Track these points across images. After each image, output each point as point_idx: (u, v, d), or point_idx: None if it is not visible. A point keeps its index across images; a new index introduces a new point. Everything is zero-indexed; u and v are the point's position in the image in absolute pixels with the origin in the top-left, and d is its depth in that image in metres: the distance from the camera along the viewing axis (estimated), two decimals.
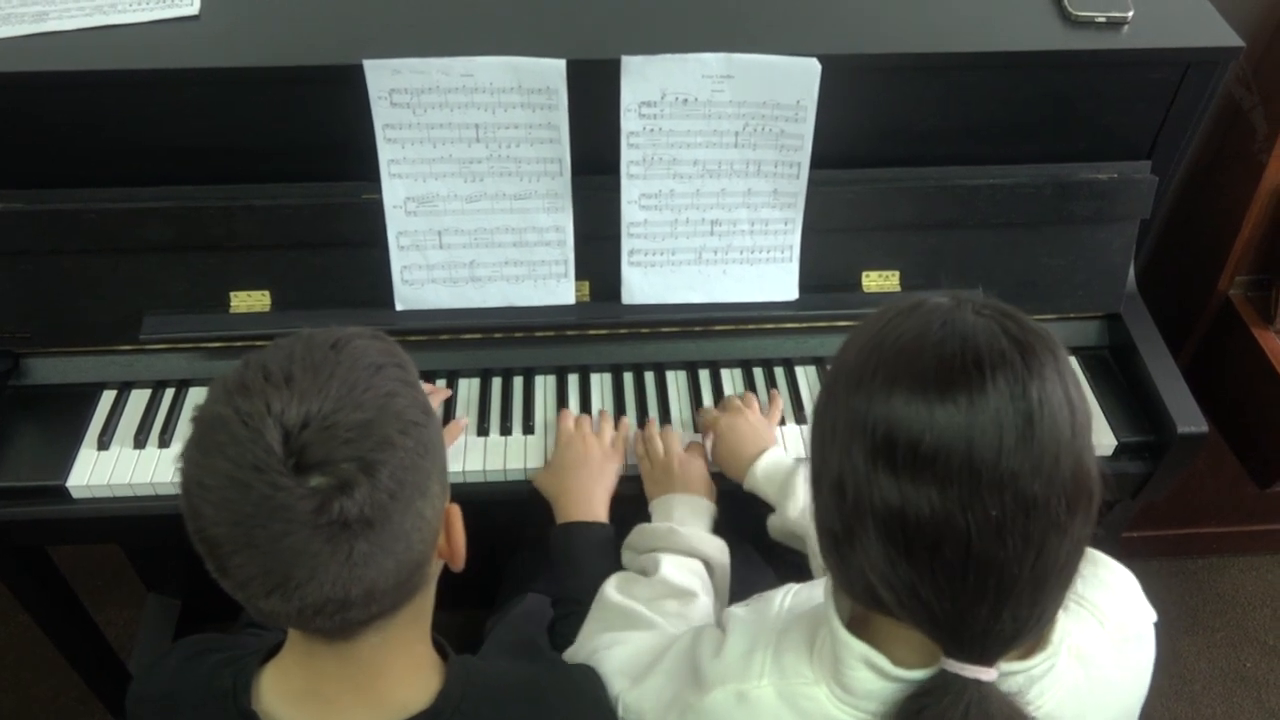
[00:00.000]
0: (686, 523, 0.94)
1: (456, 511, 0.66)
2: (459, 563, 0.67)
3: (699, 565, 0.91)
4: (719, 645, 0.70)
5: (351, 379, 0.57)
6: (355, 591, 0.57)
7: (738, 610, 0.74)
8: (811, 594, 0.73)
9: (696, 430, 1.08)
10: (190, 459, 0.57)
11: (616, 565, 0.94)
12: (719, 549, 0.93)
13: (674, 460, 1.01)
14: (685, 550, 0.91)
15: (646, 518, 0.99)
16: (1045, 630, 0.60)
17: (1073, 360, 1.15)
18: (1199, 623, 1.77)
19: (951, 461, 0.53)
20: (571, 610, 0.91)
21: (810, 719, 0.64)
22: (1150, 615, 0.71)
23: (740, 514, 1.01)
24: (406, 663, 0.66)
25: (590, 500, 0.98)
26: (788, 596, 0.73)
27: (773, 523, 0.98)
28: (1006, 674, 0.59)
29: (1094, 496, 0.57)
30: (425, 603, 0.67)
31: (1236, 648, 1.74)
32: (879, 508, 0.56)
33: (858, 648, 0.61)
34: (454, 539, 0.65)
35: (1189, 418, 1.06)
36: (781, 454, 1.00)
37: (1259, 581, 1.83)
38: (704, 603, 0.87)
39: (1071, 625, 0.63)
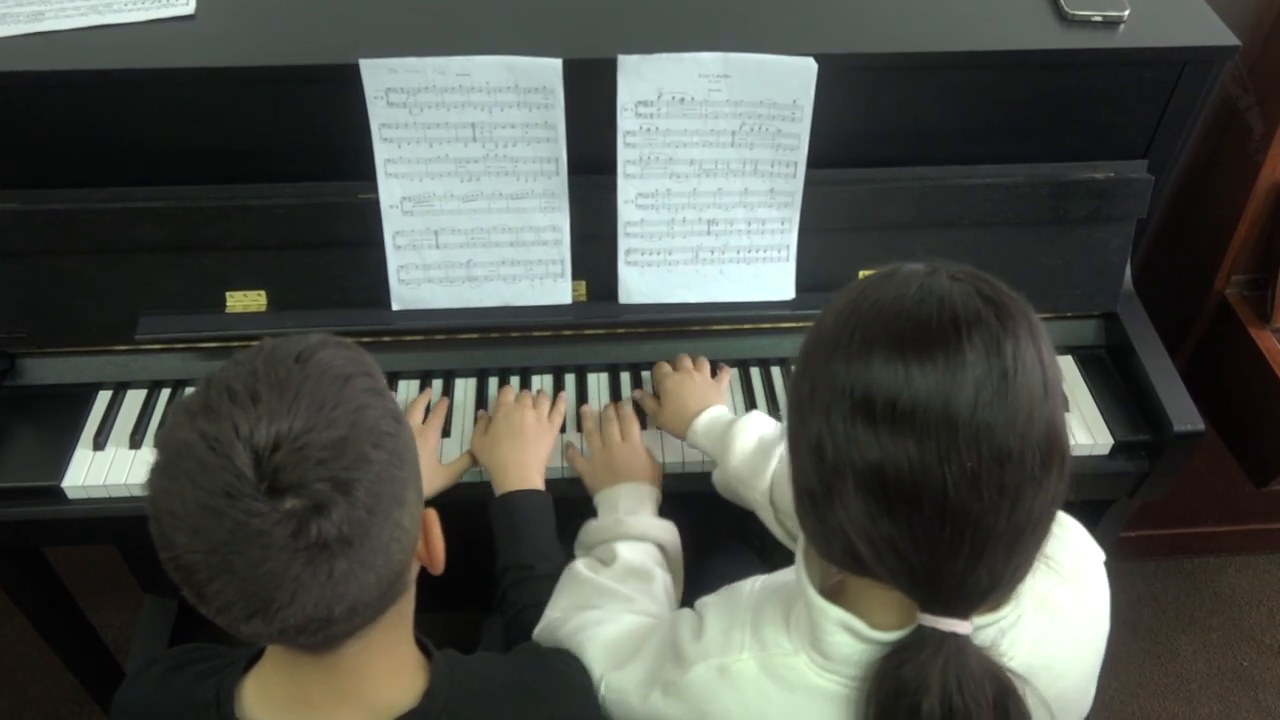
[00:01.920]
0: (633, 511, 0.95)
1: (433, 516, 0.65)
2: (438, 567, 0.66)
3: (652, 548, 0.93)
4: (698, 627, 0.71)
5: (320, 394, 0.56)
6: (338, 609, 0.56)
7: (709, 598, 0.75)
8: (779, 579, 0.74)
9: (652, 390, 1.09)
10: (157, 486, 0.55)
11: (554, 528, 0.96)
12: (666, 530, 0.95)
13: (614, 452, 1.02)
14: (636, 537, 0.93)
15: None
16: (1017, 584, 0.61)
17: (1069, 358, 1.18)
18: (1196, 622, 1.77)
19: (929, 415, 0.55)
20: (522, 577, 0.91)
21: (792, 688, 0.65)
22: (1099, 555, 0.73)
23: (732, 516, 1.01)
24: (390, 665, 0.66)
25: (525, 468, 0.99)
26: (756, 583, 0.74)
27: (716, 478, 0.99)
28: (979, 627, 0.61)
29: (1066, 456, 0.58)
30: (406, 606, 0.66)
31: (1233, 646, 1.74)
32: (858, 464, 0.57)
33: (834, 613, 0.62)
34: (433, 543, 0.64)
35: (1186, 417, 1.06)
36: (722, 410, 1.02)
37: (1256, 580, 1.83)
38: (662, 578, 0.89)
39: (1032, 578, 0.64)
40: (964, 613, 0.59)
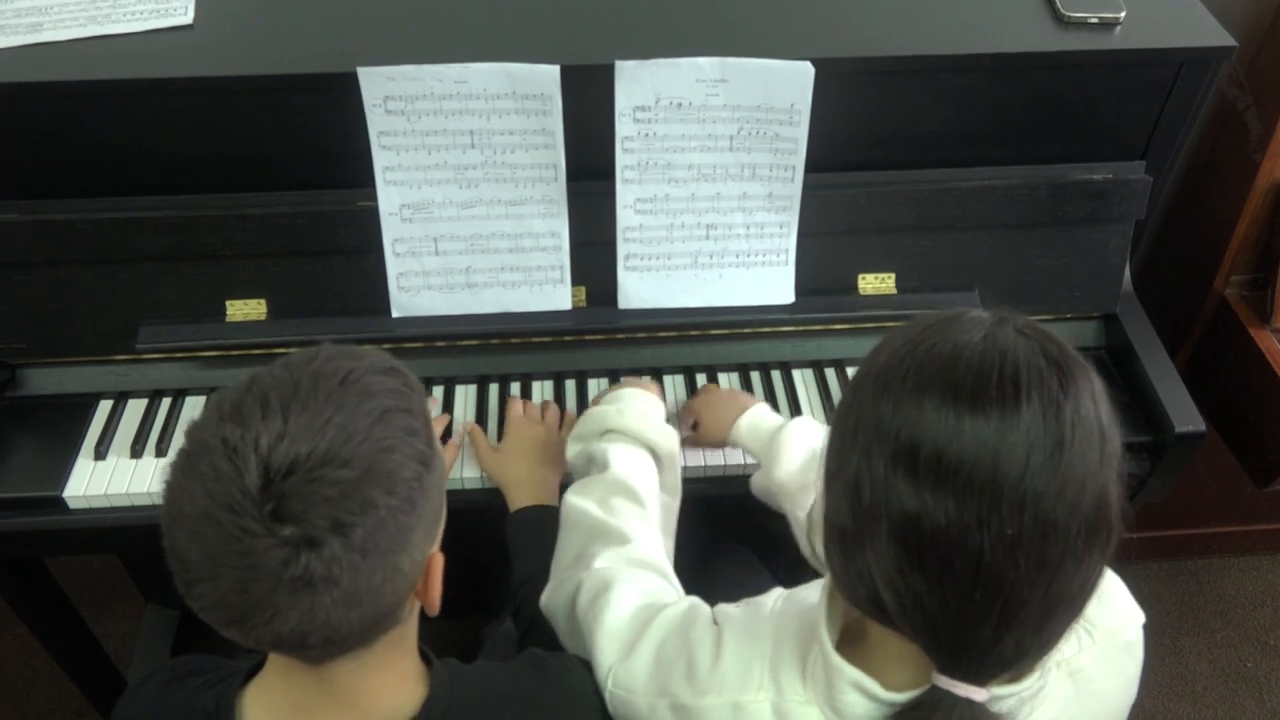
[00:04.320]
0: (636, 411, 0.93)
1: (439, 561, 0.63)
2: (434, 609, 0.65)
3: (647, 456, 0.91)
4: (716, 647, 0.70)
5: (351, 426, 0.55)
6: (314, 638, 0.56)
7: (731, 609, 0.74)
8: (803, 596, 0.72)
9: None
10: (175, 480, 0.56)
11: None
12: (666, 435, 0.93)
13: (621, 384, 1.01)
14: (632, 434, 0.91)
15: None
16: (1044, 658, 0.59)
17: None
18: (1199, 623, 1.77)
19: (975, 474, 0.52)
20: (535, 588, 0.89)
21: None
22: (1139, 617, 0.70)
23: (736, 516, 1.01)
24: (389, 679, 0.65)
25: (542, 484, 0.98)
26: (778, 601, 0.73)
27: (756, 480, 0.98)
28: (998, 697, 0.59)
29: (1113, 533, 0.56)
30: (404, 630, 0.65)
31: (1237, 647, 1.74)
32: (894, 512, 0.55)
33: (849, 673, 0.61)
34: (431, 587, 0.63)
35: (1187, 418, 1.06)
36: (766, 410, 1.00)
37: (1259, 581, 1.83)
38: (655, 503, 0.87)
39: (1062, 645, 0.62)
40: (982, 680, 0.57)
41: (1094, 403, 0.54)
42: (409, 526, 0.58)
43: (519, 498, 0.98)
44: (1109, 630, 0.67)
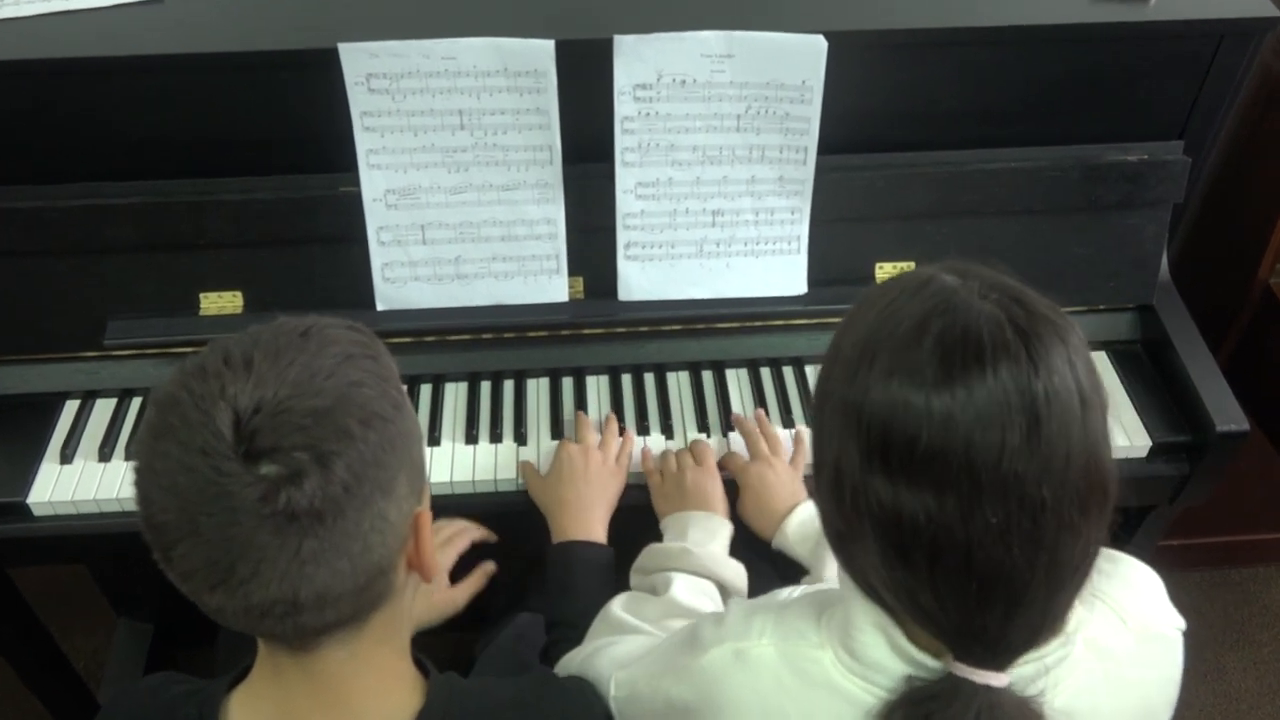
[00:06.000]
0: (701, 543, 0.94)
1: (427, 518, 0.64)
2: (429, 574, 0.65)
3: (713, 588, 0.91)
4: (717, 616, 0.71)
5: (314, 365, 0.57)
6: (305, 593, 0.57)
7: (738, 597, 0.75)
8: (821, 588, 0.73)
9: (722, 468, 1.05)
10: (143, 442, 0.58)
11: (614, 591, 0.93)
12: (736, 573, 0.93)
13: (687, 475, 1.01)
14: (700, 572, 0.91)
15: (651, 536, 0.98)
16: (1059, 626, 0.60)
17: (1102, 355, 1.17)
18: (1245, 637, 1.76)
19: (949, 464, 0.53)
20: (566, 635, 0.91)
21: (812, 683, 0.63)
22: (1177, 621, 0.70)
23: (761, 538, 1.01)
24: (380, 680, 0.66)
25: (590, 518, 0.98)
26: (795, 590, 0.73)
27: (780, 545, 0.99)
28: (1019, 663, 0.59)
29: (1109, 493, 0.56)
30: (396, 618, 0.66)
31: None
32: (874, 509, 0.55)
33: (873, 613, 0.61)
34: (423, 547, 0.64)
35: (1229, 415, 1.06)
36: (813, 510, 0.99)
37: None
38: None
39: (1089, 618, 0.63)
40: (1000, 665, 0.58)
41: (1069, 366, 0.54)
42: (391, 466, 0.58)
43: (562, 526, 0.98)
44: (1143, 620, 0.67)
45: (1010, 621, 0.56)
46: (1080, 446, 0.54)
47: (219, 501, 0.54)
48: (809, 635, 0.65)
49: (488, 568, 1.04)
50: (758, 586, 1.08)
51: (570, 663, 0.83)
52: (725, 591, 0.92)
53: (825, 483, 0.60)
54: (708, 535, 0.95)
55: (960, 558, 0.54)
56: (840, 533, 0.60)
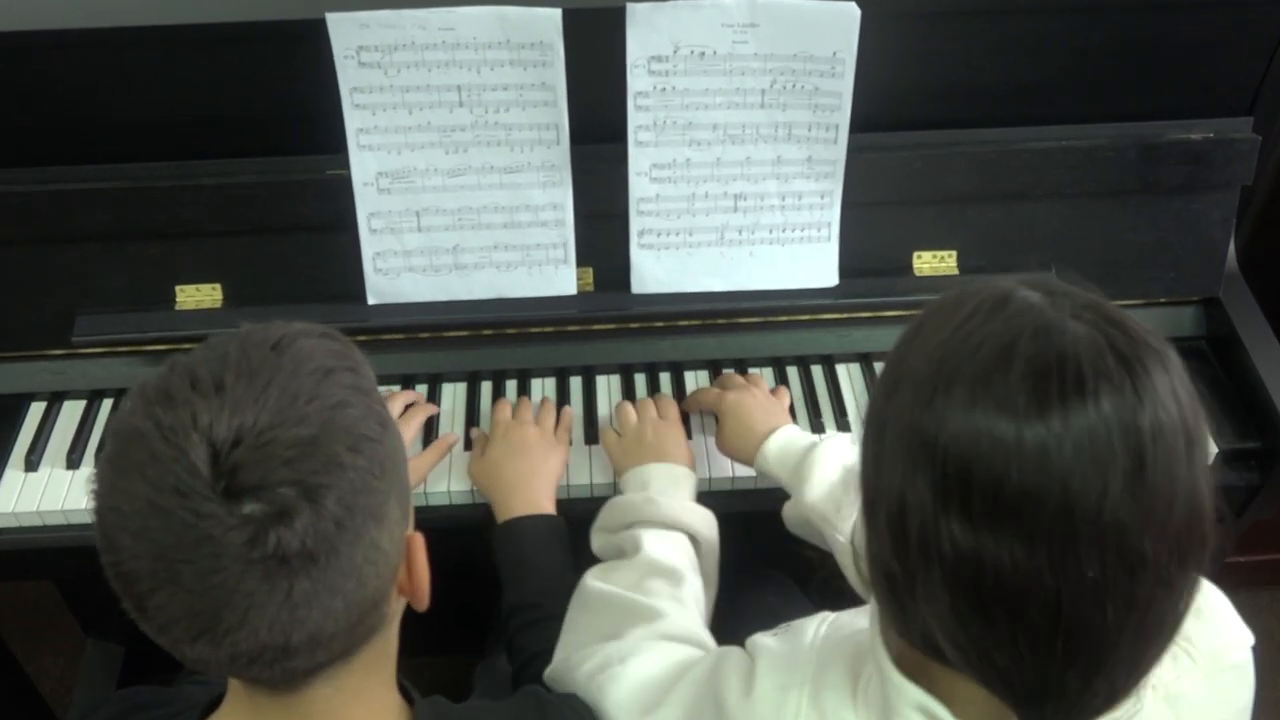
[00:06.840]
0: (665, 492, 0.94)
1: (419, 540, 0.64)
2: (422, 601, 0.64)
3: (684, 540, 0.91)
4: (747, 679, 0.68)
5: (294, 387, 0.55)
6: (297, 638, 0.55)
7: (766, 640, 0.72)
8: (851, 621, 0.70)
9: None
10: (104, 480, 0.55)
11: (572, 561, 0.94)
12: (705, 520, 0.93)
13: (647, 427, 1.02)
14: (667, 522, 0.91)
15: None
16: (1140, 687, 0.58)
17: None
18: None
19: (1042, 510, 0.50)
20: (532, 618, 0.90)
21: None
22: (1247, 639, 0.69)
23: (772, 538, 0.99)
24: (367, 713, 0.64)
25: (533, 490, 0.98)
26: (823, 625, 0.71)
27: (788, 512, 0.97)
28: None
29: (1208, 540, 0.54)
30: (385, 647, 0.65)
31: None
32: (948, 555, 0.52)
33: (912, 694, 0.59)
34: (416, 572, 0.63)
35: None
36: (796, 432, 1.00)
37: None
38: (693, 584, 0.87)
39: (1160, 667, 0.61)
40: None
41: (1174, 400, 0.52)
42: (382, 492, 0.57)
43: (508, 505, 0.98)
44: (1212, 651, 0.66)
45: (1090, 684, 0.54)
46: (1185, 492, 0.52)
47: (200, 547, 0.52)
48: (846, 717, 0.63)
49: (449, 438, 1.06)
50: (784, 607, 1.06)
51: (569, 676, 0.80)
52: (696, 541, 0.92)
53: (882, 520, 0.56)
54: (671, 484, 0.95)
55: (1049, 616, 0.51)
56: (894, 578, 0.56)
